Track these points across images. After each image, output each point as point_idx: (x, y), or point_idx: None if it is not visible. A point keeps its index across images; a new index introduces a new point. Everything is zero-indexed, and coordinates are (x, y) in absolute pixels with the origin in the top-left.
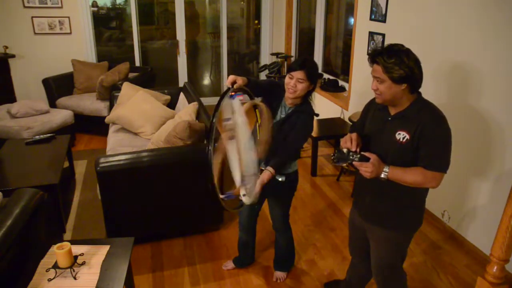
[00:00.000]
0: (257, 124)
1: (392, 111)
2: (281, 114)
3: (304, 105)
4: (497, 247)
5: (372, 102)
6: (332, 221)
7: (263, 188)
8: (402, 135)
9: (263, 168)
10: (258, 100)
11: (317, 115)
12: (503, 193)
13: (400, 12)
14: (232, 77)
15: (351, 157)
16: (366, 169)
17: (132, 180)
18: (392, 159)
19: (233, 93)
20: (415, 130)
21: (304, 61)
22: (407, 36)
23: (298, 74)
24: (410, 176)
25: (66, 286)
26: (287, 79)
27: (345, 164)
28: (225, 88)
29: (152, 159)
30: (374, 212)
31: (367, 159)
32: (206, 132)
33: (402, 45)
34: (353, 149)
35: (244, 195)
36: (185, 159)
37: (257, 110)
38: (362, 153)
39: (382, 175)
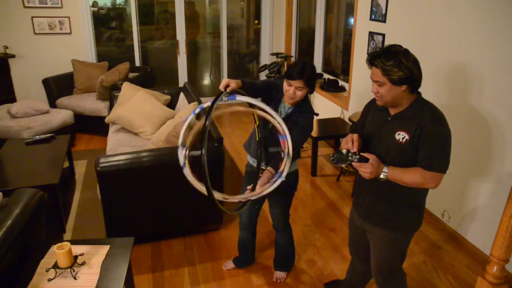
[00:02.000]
0: (256, 126)
1: (392, 111)
2: (280, 114)
3: (303, 105)
4: (497, 247)
5: (372, 103)
6: (332, 221)
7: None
8: (401, 136)
9: (264, 168)
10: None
11: (317, 114)
12: (503, 193)
13: (400, 12)
14: (225, 80)
15: (350, 158)
16: (365, 170)
17: (132, 180)
18: (392, 159)
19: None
20: (415, 130)
21: (303, 69)
22: (407, 36)
23: (297, 83)
24: (409, 176)
25: (66, 286)
26: (285, 86)
27: (344, 165)
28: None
29: (152, 159)
30: (374, 213)
31: (366, 160)
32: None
33: (400, 46)
34: (353, 150)
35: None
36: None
37: (254, 112)
38: (361, 153)
39: (381, 176)
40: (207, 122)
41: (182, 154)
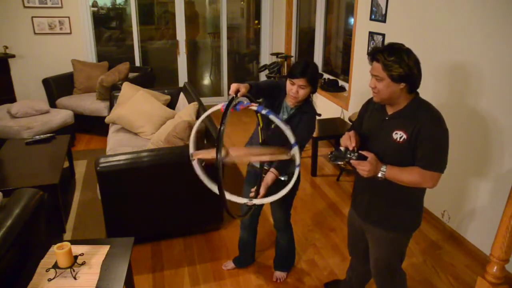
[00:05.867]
0: (259, 128)
1: (390, 111)
2: (283, 114)
3: (306, 105)
4: (497, 247)
5: (369, 102)
6: (332, 221)
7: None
8: (399, 135)
9: (266, 168)
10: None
11: (319, 115)
12: (503, 193)
13: (400, 12)
14: (235, 85)
15: (348, 156)
16: (363, 168)
17: (132, 180)
18: (390, 158)
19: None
20: (413, 130)
21: (305, 67)
22: (407, 36)
23: (300, 81)
24: (407, 175)
25: (66, 286)
26: (288, 85)
27: (342, 163)
28: (225, 92)
29: (152, 159)
30: (372, 213)
31: (364, 158)
32: (206, 132)
33: (402, 44)
34: (351, 147)
35: (251, 199)
36: (185, 159)
37: (259, 114)
38: (360, 151)
39: (379, 174)
40: (221, 129)
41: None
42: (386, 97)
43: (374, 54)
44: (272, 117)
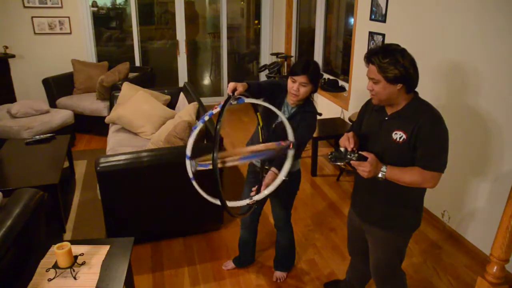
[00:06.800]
0: (259, 127)
1: (389, 111)
2: (284, 114)
3: (307, 105)
4: (497, 247)
5: (369, 103)
6: (332, 221)
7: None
8: (399, 135)
9: (267, 167)
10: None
11: (320, 114)
12: (502, 193)
13: (400, 12)
14: (232, 84)
15: (348, 156)
16: (363, 169)
17: (132, 180)
18: (389, 159)
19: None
20: (412, 130)
21: (307, 65)
22: (407, 36)
23: (301, 79)
24: (408, 176)
25: (66, 286)
26: (290, 83)
27: (342, 164)
28: (225, 92)
29: (152, 159)
30: (372, 213)
31: (364, 159)
32: (206, 133)
33: (397, 45)
34: (350, 148)
35: (251, 197)
36: (185, 159)
37: (258, 113)
38: (360, 152)
39: (380, 175)
40: (217, 127)
41: (190, 166)
42: (384, 99)
43: (369, 57)
44: (248, 100)
